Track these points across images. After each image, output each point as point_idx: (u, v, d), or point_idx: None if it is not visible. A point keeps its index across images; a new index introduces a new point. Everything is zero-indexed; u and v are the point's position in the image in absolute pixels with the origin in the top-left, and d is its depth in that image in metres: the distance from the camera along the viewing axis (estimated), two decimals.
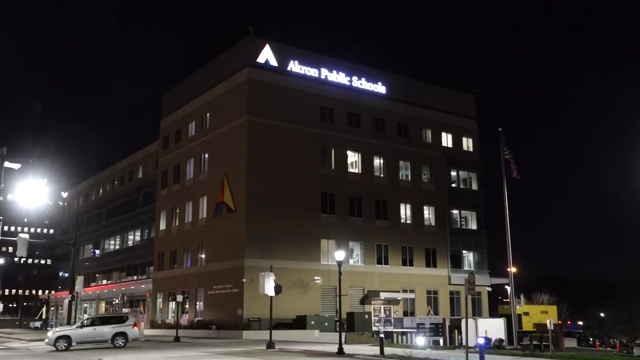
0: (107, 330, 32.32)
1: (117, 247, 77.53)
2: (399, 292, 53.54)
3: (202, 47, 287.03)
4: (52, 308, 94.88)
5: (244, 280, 45.95)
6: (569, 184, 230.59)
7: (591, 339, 62.85)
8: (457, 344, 38.61)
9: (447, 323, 43.98)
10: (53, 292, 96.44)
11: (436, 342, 39.31)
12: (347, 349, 28.78)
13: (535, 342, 39.32)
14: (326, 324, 45.45)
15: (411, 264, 56.39)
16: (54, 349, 31.15)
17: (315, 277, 49.04)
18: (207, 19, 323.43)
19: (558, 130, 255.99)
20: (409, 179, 58.57)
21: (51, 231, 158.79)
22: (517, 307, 47.88)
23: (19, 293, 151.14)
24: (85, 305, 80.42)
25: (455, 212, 61.26)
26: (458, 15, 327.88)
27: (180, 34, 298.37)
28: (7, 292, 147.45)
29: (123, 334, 32.16)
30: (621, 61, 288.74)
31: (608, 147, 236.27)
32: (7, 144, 23.48)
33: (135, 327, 32.76)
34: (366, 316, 47.06)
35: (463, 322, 30.24)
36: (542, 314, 50.34)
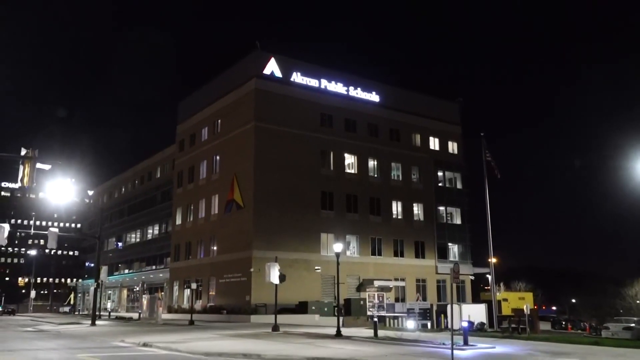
0: None
1: (138, 240, 77.57)
2: (391, 280, 53.49)
3: (213, 60, 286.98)
4: (80, 294, 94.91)
5: (252, 269, 45.93)
6: (544, 184, 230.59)
7: (564, 323, 62.79)
8: (443, 327, 38.56)
9: (434, 308, 43.90)
10: (80, 280, 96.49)
11: (424, 325, 39.27)
12: (345, 331, 28.74)
13: (513, 325, 39.27)
14: (325, 309, 45.44)
15: (402, 255, 56.37)
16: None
17: (316, 267, 48.99)
18: (217, 34, 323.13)
19: (534, 136, 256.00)
20: (400, 178, 58.53)
21: (78, 225, 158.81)
22: (497, 294, 47.88)
23: (50, 281, 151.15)
24: (109, 292, 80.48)
25: (441, 208, 61.23)
26: (445, 32, 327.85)
27: (193, 48, 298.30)
28: (39, 280, 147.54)
29: None
30: (591, 72, 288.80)
31: (579, 151, 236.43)
32: (39, 146, 23.47)
33: None
34: (361, 302, 46.93)
35: (448, 307, 30.23)
36: (519, 300, 50.17)
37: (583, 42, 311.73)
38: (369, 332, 28.51)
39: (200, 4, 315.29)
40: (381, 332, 27.81)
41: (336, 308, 35.31)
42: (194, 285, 47.71)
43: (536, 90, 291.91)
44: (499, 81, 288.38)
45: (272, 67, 51.67)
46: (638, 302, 72.66)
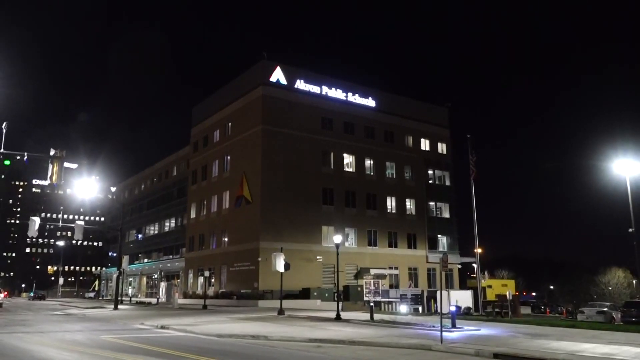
0: None
1: (156, 232, 77.60)
2: (386, 268, 53.37)
3: (224, 69, 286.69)
4: (103, 281, 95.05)
5: (259, 259, 45.94)
6: (526, 181, 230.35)
7: (542, 307, 62.59)
8: (433, 311, 38.46)
9: (425, 294, 43.66)
10: (104, 268, 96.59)
11: (416, 310, 39.13)
12: (344, 315, 28.77)
13: (497, 310, 39.15)
14: (326, 294, 45.43)
15: (396, 246, 56.36)
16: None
17: (317, 257, 49.00)
18: (228, 46, 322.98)
19: (518, 136, 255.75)
20: (394, 176, 58.46)
21: (102, 219, 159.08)
22: (482, 281, 47.67)
23: (76, 269, 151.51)
24: (130, 279, 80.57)
25: (431, 203, 61.16)
26: (435, 42, 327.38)
27: (205, 58, 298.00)
28: (67, 268, 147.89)
29: None
30: (572, 80, 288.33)
31: (559, 151, 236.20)
32: (66, 147, 23.44)
33: None
34: (359, 288, 46.81)
35: (438, 293, 30.15)
36: (502, 287, 49.94)
37: (567, 51, 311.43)
38: (366, 316, 28.53)
39: (210, 17, 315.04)
40: (377, 316, 27.85)
41: (336, 294, 35.31)
42: (206, 273, 47.80)
43: (520, 96, 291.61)
44: (487, 87, 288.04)
45: (277, 75, 51.61)
46: (610, 288, 72.59)
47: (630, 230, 31.53)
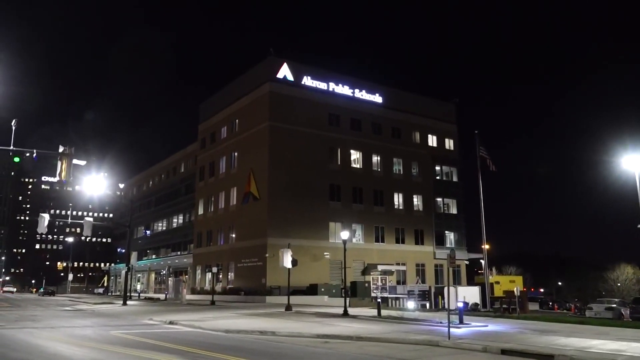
0: None
1: (164, 228, 77.97)
2: (393, 265, 53.44)
3: (231, 66, 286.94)
4: (112, 277, 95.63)
5: (267, 255, 46.03)
6: (533, 176, 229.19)
7: (550, 303, 62.31)
8: (440, 307, 38.39)
9: (433, 290, 43.66)
10: (112, 264, 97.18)
11: (423, 306, 39.09)
12: (351, 311, 28.76)
13: (504, 306, 38.98)
14: (333, 290, 45.48)
15: (403, 242, 56.28)
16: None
17: (325, 253, 49.00)
18: (234, 42, 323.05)
19: (525, 133, 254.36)
20: (401, 172, 58.34)
21: (111, 215, 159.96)
22: (490, 277, 47.49)
23: (85, 265, 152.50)
24: (139, 275, 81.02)
25: (439, 199, 60.99)
26: (443, 38, 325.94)
27: (212, 55, 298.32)
28: (76, 264, 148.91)
29: None
30: (581, 77, 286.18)
31: (568, 146, 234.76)
32: (74, 145, 23.55)
33: None
34: (366, 285, 46.74)
35: (445, 289, 30.04)
36: (510, 283, 49.74)
37: (576, 48, 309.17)
38: (373, 312, 28.50)
39: (215, 14, 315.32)
40: (384, 312, 27.81)
41: (343, 290, 35.31)
42: (214, 269, 48.00)
43: (528, 93, 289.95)
44: (495, 83, 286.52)
45: (284, 72, 51.57)
46: (619, 284, 72.17)
47: (639, 226, 31.31)
